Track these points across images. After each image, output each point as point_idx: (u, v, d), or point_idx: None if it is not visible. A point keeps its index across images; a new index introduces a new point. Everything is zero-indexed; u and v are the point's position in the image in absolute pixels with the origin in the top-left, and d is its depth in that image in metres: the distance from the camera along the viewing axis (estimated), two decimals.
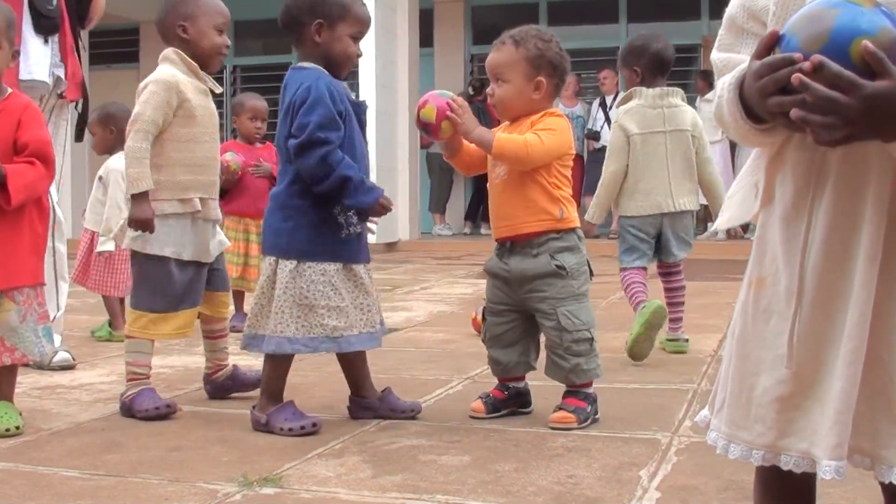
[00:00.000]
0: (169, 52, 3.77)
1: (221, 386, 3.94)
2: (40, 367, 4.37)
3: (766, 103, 1.45)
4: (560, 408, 3.38)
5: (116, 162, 5.28)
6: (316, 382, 4.18)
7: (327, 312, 3.36)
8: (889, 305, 1.53)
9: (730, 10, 1.71)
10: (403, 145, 12.31)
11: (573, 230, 3.45)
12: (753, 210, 1.69)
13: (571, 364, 3.38)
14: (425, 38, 13.33)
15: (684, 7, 13.43)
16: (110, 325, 5.45)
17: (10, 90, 3.41)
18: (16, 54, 3.43)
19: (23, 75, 4.31)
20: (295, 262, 3.35)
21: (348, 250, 3.49)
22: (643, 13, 13.49)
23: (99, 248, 5.33)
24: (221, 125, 14.89)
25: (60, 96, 4.59)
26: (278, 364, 3.47)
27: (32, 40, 4.38)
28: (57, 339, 4.58)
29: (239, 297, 5.83)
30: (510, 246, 3.46)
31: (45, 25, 4.40)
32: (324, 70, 3.43)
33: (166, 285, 3.65)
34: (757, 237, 1.69)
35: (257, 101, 5.98)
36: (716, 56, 1.71)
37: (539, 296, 3.40)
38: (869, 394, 1.52)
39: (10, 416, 3.34)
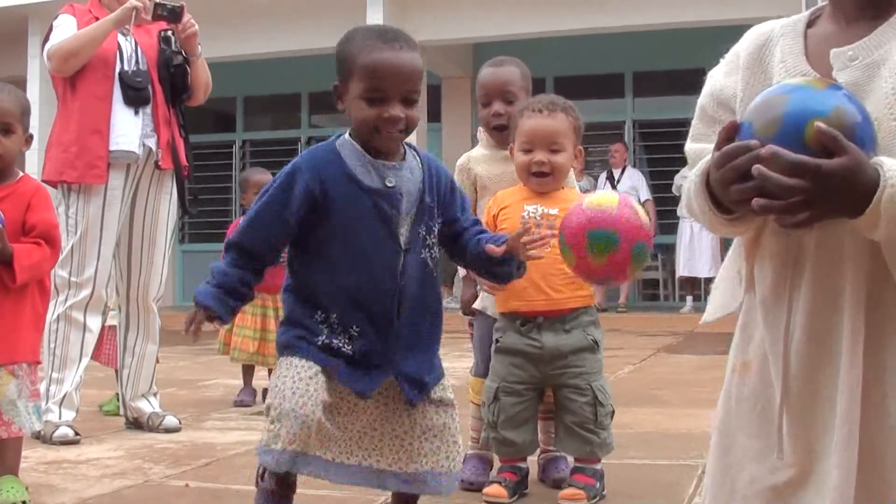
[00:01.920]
0: None
1: None
2: (44, 440, 4.36)
3: (729, 193, 1.45)
4: (570, 484, 3.34)
5: None
6: None
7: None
8: (875, 387, 1.50)
9: (700, 101, 1.73)
10: None
11: (593, 304, 3.44)
12: (739, 298, 1.67)
13: (601, 438, 3.33)
14: (433, 113, 13.44)
15: (692, 81, 13.47)
16: (118, 398, 5.42)
17: (21, 173, 3.50)
18: (29, 139, 3.51)
19: (111, 146, 4.59)
20: None
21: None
22: (649, 88, 13.61)
23: (109, 322, 5.32)
24: (230, 199, 14.78)
25: (157, 166, 4.77)
26: None
27: (122, 112, 4.64)
28: (71, 414, 4.58)
29: (249, 371, 5.80)
30: (541, 321, 3.35)
31: (133, 97, 4.66)
32: (350, 143, 2.63)
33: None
34: (741, 323, 1.67)
35: (261, 176, 5.96)
36: (689, 147, 1.71)
37: (574, 371, 3.32)
38: (862, 480, 1.49)
39: (16, 489, 3.32)
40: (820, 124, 1.38)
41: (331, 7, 12.30)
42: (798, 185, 1.37)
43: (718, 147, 1.48)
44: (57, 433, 4.40)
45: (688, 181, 1.61)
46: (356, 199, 2.55)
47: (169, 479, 3.76)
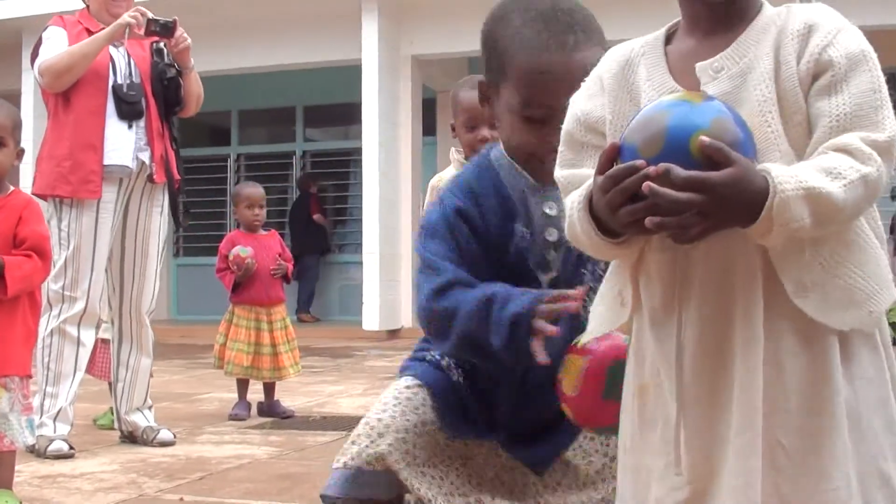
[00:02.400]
0: None
1: None
2: (38, 454, 4.35)
3: (617, 216, 1.44)
4: None
5: None
6: (318, 472, 4.14)
7: None
8: (776, 390, 1.50)
9: (566, 127, 1.71)
10: (406, 232, 12.35)
11: None
12: (622, 319, 1.66)
13: None
14: (428, 126, 13.45)
15: None
16: (112, 412, 5.41)
17: (12, 188, 3.51)
18: (21, 153, 3.53)
19: (105, 161, 4.60)
20: None
21: None
22: None
23: (102, 335, 5.30)
24: (225, 213, 14.84)
25: (150, 179, 4.77)
26: None
27: (115, 126, 4.65)
28: (66, 428, 4.57)
29: (244, 385, 5.76)
30: None
31: (126, 111, 4.66)
32: (506, 160, 2.14)
33: None
34: (632, 346, 1.66)
35: (252, 189, 6.01)
36: (559, 174, 1.69)
37: None
38: (779, 482, 1.49)
39: (11, 503, 3.32)
40: (704, 137, 1.38)
41: (325, 21, 12.32)
42: (692, 199, 1.37)
43: (601, 171, 1.47)
44: (51, 447, 4.38)
45: (569, 209, 1.59)
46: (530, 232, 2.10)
47: (163, 492, 3.74)
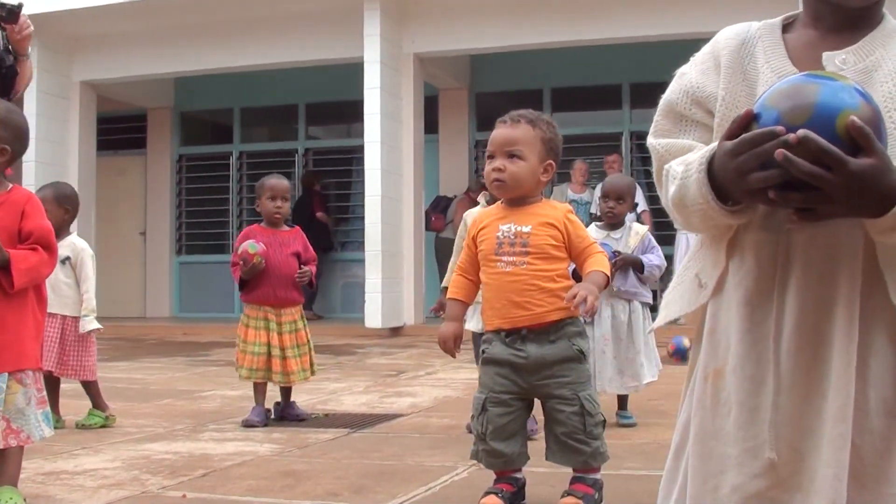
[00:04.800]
0: None
1: None
2: None
3: (746, 180, 1.42)
4: (569, 493, 3.35)
5: (81, 242, 5.37)
6: (321, 469, 4.15)
7: None
8: (858, 388, 1.49)
9: (668, 96, 1.72)
10: (408, 230, 12.36)
11: (579, 316, 3.45)
12: (699, 301, 1.65)
13: (593, 448, 3.35)
14: (430, 124, 13.45)
15: None
16: (97, 408, 5.33)
17: (10, 185, 3.50)
18: (3, 151, 3.48)
19: None
20: None
21: None
22: (646, 99, 13.62)
23: (88, 328, 5.28)
24: (227, 211, 14.84)
25: None
26: None
27: None
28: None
29: (259, 390, 5.47)
30: (525, 333, 3.39)
31: None
32: None
33: None
34: (708, 328, 1.64)
35: (276, 180, 5.65)
36: (655, 141, 1.69)
37: (560, 381, 3.35)
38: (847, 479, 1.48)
39: (15, 500, 3.32)
40: (855, 118, 1.36)
41: (327, 19, 12.33)
42: (826, 176, 1.35)
43: (730, 137, 1.45)
44: None
45: (679, 174, 1.57)
46: None
47: (166, 489, 3.75)
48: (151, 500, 3.62)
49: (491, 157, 3.43)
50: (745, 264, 1.58)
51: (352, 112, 13.08)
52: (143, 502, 3.59)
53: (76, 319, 5.29)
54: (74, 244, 5.36)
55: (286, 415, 5.51)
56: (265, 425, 5.29)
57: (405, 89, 12.44)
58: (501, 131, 3.43)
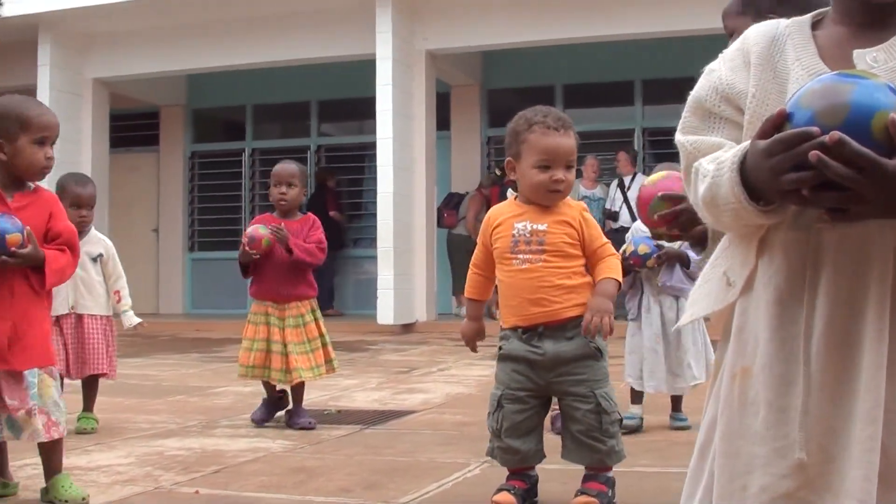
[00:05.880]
0: None
1: None
2: None
3: (780, 181, 1.40)
4: (582, 492, 3.34)
5: (105, 237, 5.32)
6: (333, 466, 4.16)
7: None
8: (888, 390, 1.48)
9: (697, 93, 1.70)
10: (420, 227, 12.36)
11: (597, 339, 3.42)
12: (729, 299, 1.64)
13: (608, 446, 3.34)
14: (442, 121, 13.44)
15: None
16: (89, 411, 5.16)
17: (33, 184, 3.52)
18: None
19: None
20: None
21: None
22: (659, 95, 13.60)
23: (133, 322, 5.24)
24: (240, 207, 14.83)
25: None
26: None
27: None
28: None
29: (268, 386, 5.31)
30: (542, 330, 3.39)
31: None
32: None
33: None
34: (736, 326, 1.63)
35: (280, 165, 5.40)
36: (683, 138, 1.68)
37: (576, 378, 3.34)
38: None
39: (76, 487, 3.48)
40: (894, 117, 1.34)
41: (339, 16, 12.34)
42: (857, 179, 1.34)
43: (763, 136, 1.44)
44: None
45: (710, 172, 1.56)
46: None
47: (179, 485, 3.76)
48: (164, 496, 3.63)
49: (546, 166, 3.36)
50: (775, 263, 1.57)
51: (364, 109, 13.09)
52: (156, 498, 3.60)
53: (110, 319, 5.22)
54: (103, 240, 5.28)
55: (291, 423, 5.17)
56: (265, 421, 5.22)
57: (417, 86, 12.44)
58: (561, 141, 3.38)
